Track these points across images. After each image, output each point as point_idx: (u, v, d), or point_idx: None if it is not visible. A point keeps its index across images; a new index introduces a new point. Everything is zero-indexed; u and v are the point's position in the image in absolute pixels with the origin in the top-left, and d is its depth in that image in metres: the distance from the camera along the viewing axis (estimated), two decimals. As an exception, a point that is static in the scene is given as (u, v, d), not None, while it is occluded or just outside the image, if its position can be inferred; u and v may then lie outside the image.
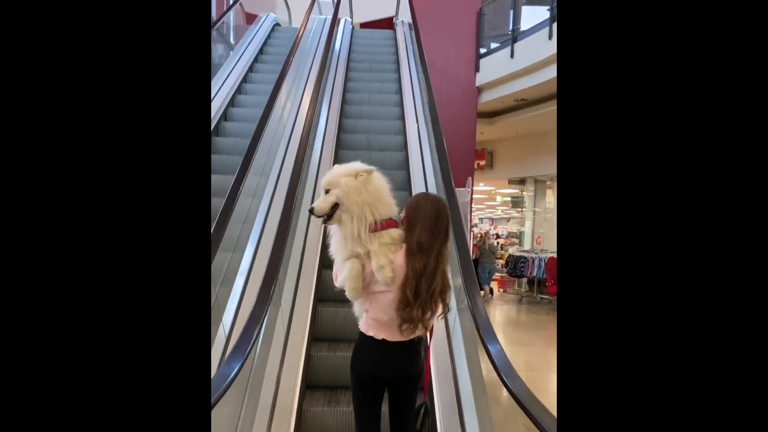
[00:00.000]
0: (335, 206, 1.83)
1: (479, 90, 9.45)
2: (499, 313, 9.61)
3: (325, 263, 3.58)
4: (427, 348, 2.03)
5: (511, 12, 8.74)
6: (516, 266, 10.44)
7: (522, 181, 12.50)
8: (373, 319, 1.87)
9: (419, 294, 1.78)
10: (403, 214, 1.89)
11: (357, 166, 1.86)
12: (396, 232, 1.86)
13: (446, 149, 3.71)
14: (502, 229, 19.84)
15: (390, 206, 1.88)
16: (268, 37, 7.10)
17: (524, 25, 8.36)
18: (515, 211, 16.45)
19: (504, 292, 11.80)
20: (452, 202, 2.92)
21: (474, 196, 9.30)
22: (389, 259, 1.81)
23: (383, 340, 1.85)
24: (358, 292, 1.85)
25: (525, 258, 10.36)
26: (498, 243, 15.67)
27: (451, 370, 2.62)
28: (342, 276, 1.86)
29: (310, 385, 2.92)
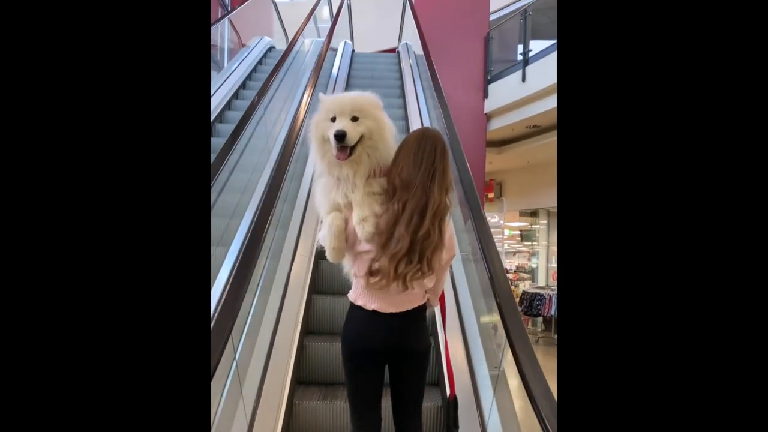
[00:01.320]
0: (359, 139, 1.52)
1: (488, 117, 8.91)
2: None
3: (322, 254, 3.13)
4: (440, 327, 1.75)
5: (522, 35, 8.24)
6: (531, 304, 9.66)
7: (534, 214, 11.87)
8: (363, 286, 1.57)
9: (395, 239, 1.45)
10: None
11: (376, 98, 1.60)
12: (379, 184, 1.57)
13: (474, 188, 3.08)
14: (509, 264, 19.09)
15: (393, 150, 1.60)
16: (261, 61, 6.60)
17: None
18: (522, 245, 15.77)
19: (518, 332, 10.99)
20: (482, 230, 2.26)
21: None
22: (374, 210, 1.51)
23: (374, 311, 1.56)
24: (341, 252, 1.56)
25: (541, 295, 9.60)
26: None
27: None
28: (322, 233, 1.57)
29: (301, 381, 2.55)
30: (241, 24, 7.40)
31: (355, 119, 1.52)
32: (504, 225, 15.16)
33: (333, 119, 1.53)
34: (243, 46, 7.14)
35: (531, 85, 7.58)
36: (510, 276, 16.47)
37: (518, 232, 14.98)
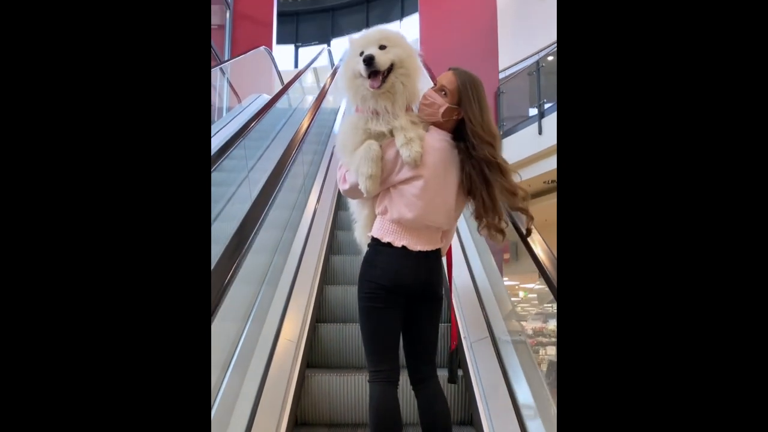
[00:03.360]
0: (390, 68, 1.52)
1: (502, 174, 8.39)
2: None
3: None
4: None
5: (536, 86, 7.85)
6: (558, 377, 8.74)
7: (554, 275, 11.16)
8: (393, 221, 1.53)
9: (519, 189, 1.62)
10: (440, 88, 1.57)
11: (403, 34, 1.60)
12: (416, 116, 1.58)
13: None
14: (527, 328, 18.14)
15: (419, 84, 1.61)
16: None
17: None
18: (538, 308, 14.96)
19: (543, 407, 9.97)
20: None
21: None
22: (420, 134, 1.50)
23: (403, 247, 1.51)
24: (376, 181, 1.50)
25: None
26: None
27: None
28: (354, 165, 1.51)
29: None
30: (239, 82, 7.11)
31: (383, 47, 1.52)
32: (519, 287, 14.40)
33: (362, 54, 1.51)
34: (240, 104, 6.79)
35: (548, 138, 7.10)
36: (528, 341, 15.47)
37: (535, 295, 14.23)
